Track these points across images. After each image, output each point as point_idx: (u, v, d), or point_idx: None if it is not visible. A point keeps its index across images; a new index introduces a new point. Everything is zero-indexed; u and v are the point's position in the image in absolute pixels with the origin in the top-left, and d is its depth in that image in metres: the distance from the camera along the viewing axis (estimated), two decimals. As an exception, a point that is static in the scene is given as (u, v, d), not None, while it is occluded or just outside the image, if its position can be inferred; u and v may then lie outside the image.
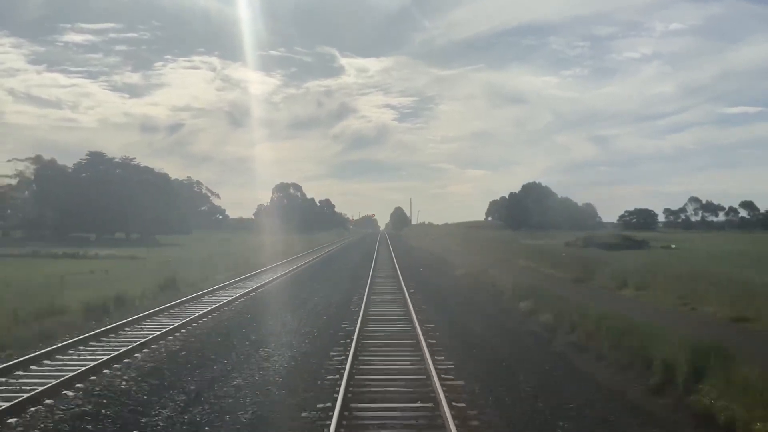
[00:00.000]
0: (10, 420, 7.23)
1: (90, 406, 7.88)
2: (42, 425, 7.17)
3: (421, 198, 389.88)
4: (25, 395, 7.97)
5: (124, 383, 9.01)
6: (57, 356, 10.72)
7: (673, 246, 60.79)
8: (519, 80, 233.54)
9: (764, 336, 13.12)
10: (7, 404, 7.56)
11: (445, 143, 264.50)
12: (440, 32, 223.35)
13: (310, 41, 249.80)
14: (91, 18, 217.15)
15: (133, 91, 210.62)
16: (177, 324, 13.82)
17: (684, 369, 9.70)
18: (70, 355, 10.94)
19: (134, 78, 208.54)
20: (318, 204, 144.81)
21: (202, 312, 15.89)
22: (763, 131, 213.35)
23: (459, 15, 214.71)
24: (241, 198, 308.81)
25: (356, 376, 9.34)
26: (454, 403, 7.82)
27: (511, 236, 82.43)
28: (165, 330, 13.03)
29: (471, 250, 50.67)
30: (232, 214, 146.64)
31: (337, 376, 9.30)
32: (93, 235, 73.66)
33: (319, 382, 9.29)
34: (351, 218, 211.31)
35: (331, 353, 11.24)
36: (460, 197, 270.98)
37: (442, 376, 9.25)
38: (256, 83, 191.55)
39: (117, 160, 76.36)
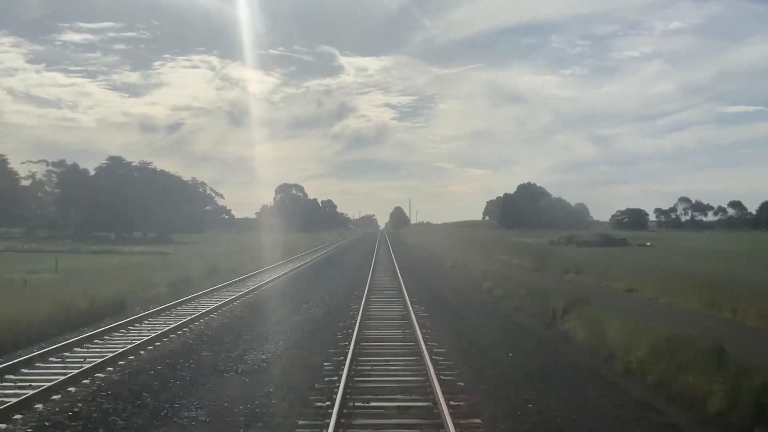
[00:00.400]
0: (197, 322, 14.08)
1: (229, 320, 14.81)
2: (214, 325, 14.06)
3: (421, 197, 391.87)
4: (190, 317, 14.79)
5: (238, 311, 16.04)
6: (191, 303, 17.59)
7: (648, 244, 67.54)
8: (519, 79, 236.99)
9: (633, 297, 20.00)
10: (187, 318, 14.39)
11: (445, 142, 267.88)
12: (440, 31, 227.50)
13: (309, 40, 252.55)
14: (90, 17, 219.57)
15: (132, 91, 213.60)
16: (244, 291, 20.81)
17: (560, 311, 16.56)
18: (194, 304, 17.83)
19: (133, 77, 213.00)
20: (321, 204, 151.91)
21: (254, 287, 22.76)
22: (763, 130, 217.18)
23: (459, 14, 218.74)
24: (242, 197, 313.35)
25: (367, 314, 16.17)
26: (419, 321, 14.69)
27: (502, 235, 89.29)
28: (241, 293, 20.00)
29: (461, 246, 57.54)
30: (233, 213, 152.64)
31: (356, 312, 16.13)
32: (113, 234, 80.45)
33: (345, 315, 16.14)
34: (352, 218, 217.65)
35: (350, 304, 18.14)
36: (460, 196, 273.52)
37: (417, 313, 16.07)
38: (256, 82, 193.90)
39: (135, 164, 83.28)
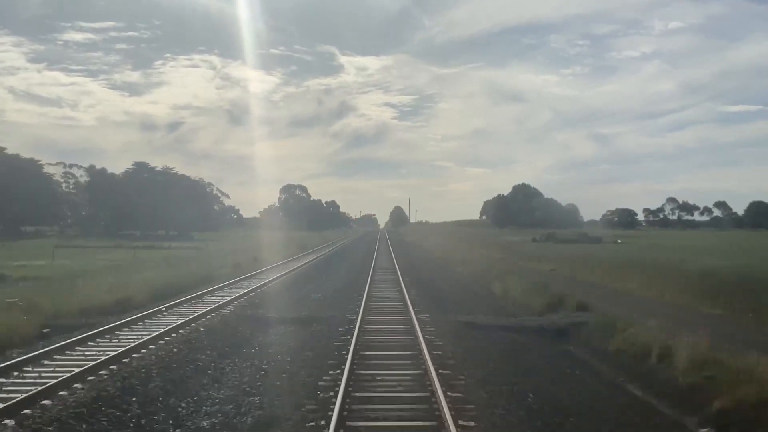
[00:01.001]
0: (272, 283, 24.75)
1: (291, 282, 25.49)
2: (281, 285, 24.76)
3: (421, 196, 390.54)
4: (266, 280, 25.40)
5: (291, 280, 26.72)
6: (258, 275, 28.22)
7: (619, 241, 77.90)
8: (519, 78, 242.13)
9: (550, 273, 30.65)
10: (265, 281, 25.01)
11: (445, 141, 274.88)
12: (440, 30, 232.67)
13: (309, 40, 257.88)
14: (92, 16, 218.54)
15: (133, 90, 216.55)
16: (288, 270, 31.50)
17: (493, 278, 27.25)
18: (261, 276, 28.44)
19: (134, 76, 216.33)
20: (325, 205, 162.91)
21: (293, 268, 33.44)
22: (764, 129, 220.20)
23: (459, 13, 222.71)
24: (242, 195, 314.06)
25: (374, 278, 26.88)
26: (405, 282, 25.35)
27: (493, 233, 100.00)
28: (286, 271, 30.69)
29: (451, 242, 68.17)
30: (241, 213, 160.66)
31: (366, 278, 26.76)
32: (138, 232, 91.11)
33: (361, 279, 26.83)
34: (353, 217, 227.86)
35: (362, 275, 28.84)
36: (461, 195, 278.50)
37: (404, 279, 26.70)
38: (256, 82, 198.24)
39: (158, 169, 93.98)
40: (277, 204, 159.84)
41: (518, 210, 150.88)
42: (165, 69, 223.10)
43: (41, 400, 8.52)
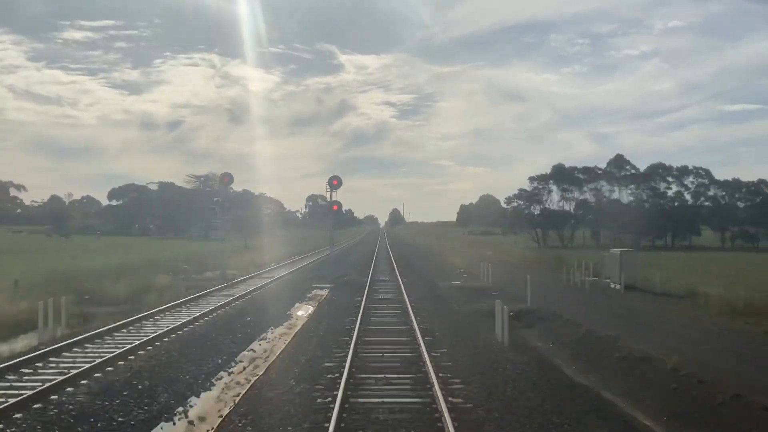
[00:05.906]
0: (362, 238, 77.13)
1: (364, 237, 78.10)
2: (362, 238, 77.38)
3: (421, 195, 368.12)
4: (359, 237, 77.49)
5: (364, 237, 79.48)
6: (356, 236, 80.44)
7: (511, 234, 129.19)
8: (519, 77, 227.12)
9: (438, 240, 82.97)
10: (342, 246, 77.24)
11: (445, 140, 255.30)
12: (440, 29, 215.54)
13: (309, 38, 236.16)
14: (91, 15, 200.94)
15: (132, 88, 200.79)
16: (360, 237, 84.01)
17: (412, 240, 79.89)
18: (357, 235, 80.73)
19: (134, 75, 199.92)
20: (344, 212, 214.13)
21: (362, 236, 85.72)
22: (763, 129, 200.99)
23: (459, 12, 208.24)
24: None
25: (380, 242, 78.81)
26: (389, 240, 77.52)
27: (450, 230, 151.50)
28: (360, 237, 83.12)
29: (423, 235, 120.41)
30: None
31: (376, 241, 78.69)
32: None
33: (374, 242, 78.98)
34: (359, 218, 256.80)
35: (376, 242, 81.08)
36: (461, 194, 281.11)
37: (389, 239, 78.71)
38: (256, 80, 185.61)
39: (257, 194, 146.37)
40: (305, 209, 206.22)
41: (479, 214, 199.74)
42: (164, 67, 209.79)
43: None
